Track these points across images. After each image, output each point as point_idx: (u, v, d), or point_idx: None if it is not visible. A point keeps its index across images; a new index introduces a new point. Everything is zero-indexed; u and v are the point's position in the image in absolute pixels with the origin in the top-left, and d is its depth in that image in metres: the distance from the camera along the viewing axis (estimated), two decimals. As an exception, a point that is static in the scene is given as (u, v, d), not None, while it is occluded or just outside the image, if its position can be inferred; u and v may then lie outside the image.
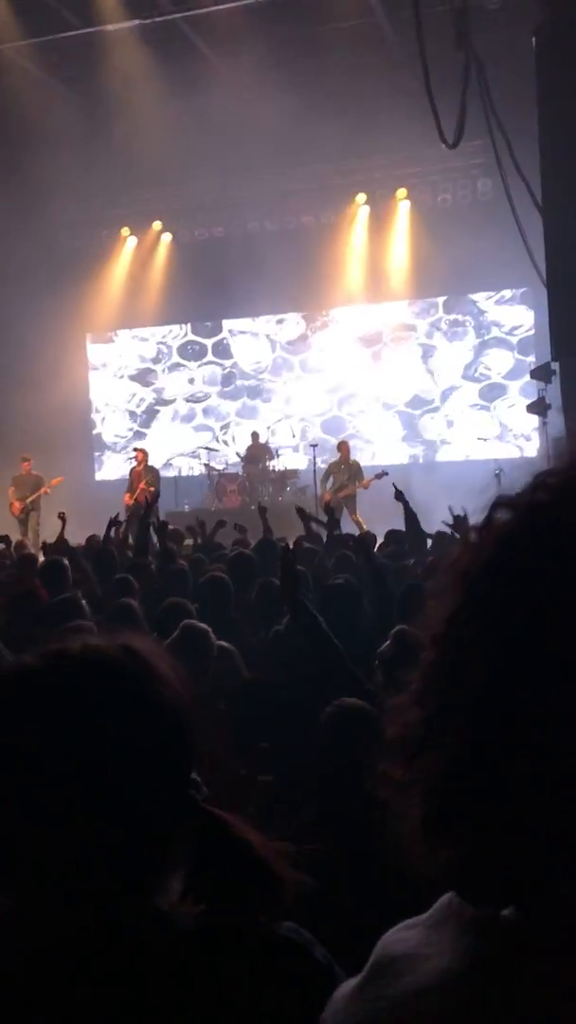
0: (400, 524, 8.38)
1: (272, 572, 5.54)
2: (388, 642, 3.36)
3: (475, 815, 0.67)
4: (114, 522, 7.99)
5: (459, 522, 5.70)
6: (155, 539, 7.30)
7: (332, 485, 13.75)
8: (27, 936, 0.90)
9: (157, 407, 18.34)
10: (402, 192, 15.75)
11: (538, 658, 0.65)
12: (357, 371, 16.94)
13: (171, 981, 0.89)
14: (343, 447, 14.11)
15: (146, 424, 18.36)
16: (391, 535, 7.90)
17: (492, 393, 16.25)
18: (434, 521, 7.29)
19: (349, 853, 2.12)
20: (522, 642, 0.66)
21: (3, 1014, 0.88)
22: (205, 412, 18.06)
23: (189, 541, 9.51)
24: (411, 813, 0.71)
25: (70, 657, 0.95)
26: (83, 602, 4.86)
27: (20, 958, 0.89)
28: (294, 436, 15.80)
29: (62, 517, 8.50)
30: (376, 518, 12.21)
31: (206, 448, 16.82)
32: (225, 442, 17.26)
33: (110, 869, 0.89)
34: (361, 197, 15.98)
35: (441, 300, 16.54)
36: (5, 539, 8.40)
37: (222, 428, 17.78)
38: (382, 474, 13.19)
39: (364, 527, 12.40)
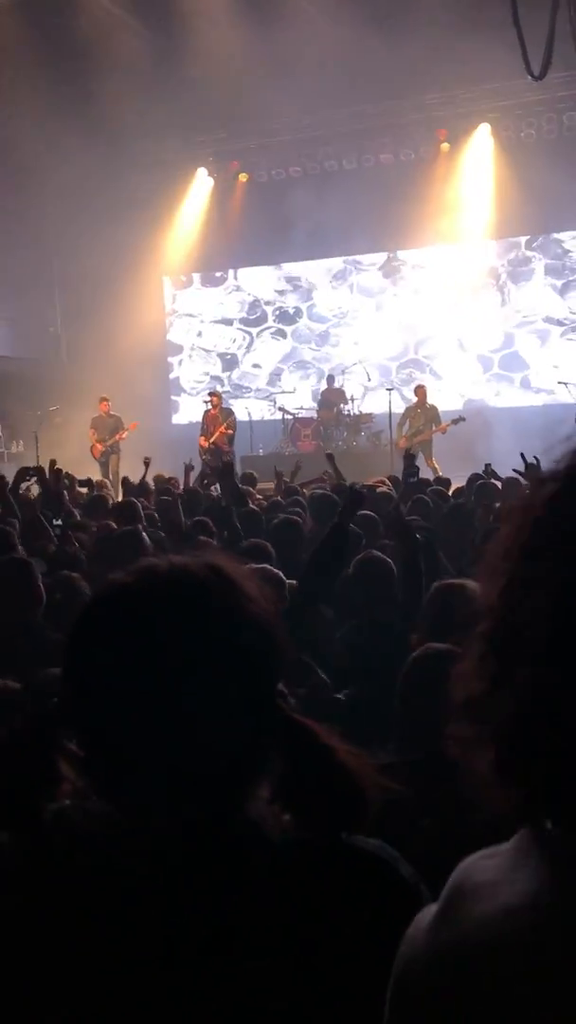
0: (476, 469, 8.32)
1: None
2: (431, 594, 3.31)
3: (550, 750, 0.68)
4: (188, 467, 8.23)
5: (531, 469, 5.61)
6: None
7: (408, 430, 13.56)
8: (126, 839, 0.97)
9: (234, 350, 18.36)
10: (485, 127, 15.28)
11: None
12: (436, 313, 16.65)
13: (260, 891, 0.94)
14: (420, 391, 13.84)
15: (224, 368, 18.40)
16: (473, 479, 7.79)
17: None
18: (509, 466, 7.23)
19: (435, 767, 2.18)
20: None
21: (105, 913, 0.94)
22: (282, 355, 18.03)
23: (266, 484, 9.64)
24: (484, 757, 0.72)
25: (159, 574, 1.00)
26: (144, 535, 4.92)
27: (120, 860, 0.96)
28: (370, 379, 15.64)
29: (147, 462, 8.77)
30: (452, 464, 12.12)
31: (281, 391, 16.82)
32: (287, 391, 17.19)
33: (201, 773, 0.94)
34: (442, 133, 15.55)
35: (523, 239, 16.10)
36: (88, 482, 8.62)
37: (283, 373, 17.74)
38: (459, 419, 13.02)
39: (440, 472, 12.31)
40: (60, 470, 7.27)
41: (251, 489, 8.46)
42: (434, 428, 13.35)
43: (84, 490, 8.98)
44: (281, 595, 3.56)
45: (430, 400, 13.78)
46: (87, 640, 0.99)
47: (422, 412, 13.55)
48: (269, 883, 0.94)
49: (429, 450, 13.23)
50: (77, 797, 1.00)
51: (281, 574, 3.77)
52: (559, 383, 14.48)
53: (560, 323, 15.93)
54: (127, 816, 0.97)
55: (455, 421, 13.01)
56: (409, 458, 7.57)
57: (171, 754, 0.93)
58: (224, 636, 0.96)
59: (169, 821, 0.95)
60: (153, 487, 8.71)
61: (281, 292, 17.96)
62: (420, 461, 12.91)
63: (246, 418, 15.45)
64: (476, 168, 15.50)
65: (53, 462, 7.49)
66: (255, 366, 18.14)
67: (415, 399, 13.83)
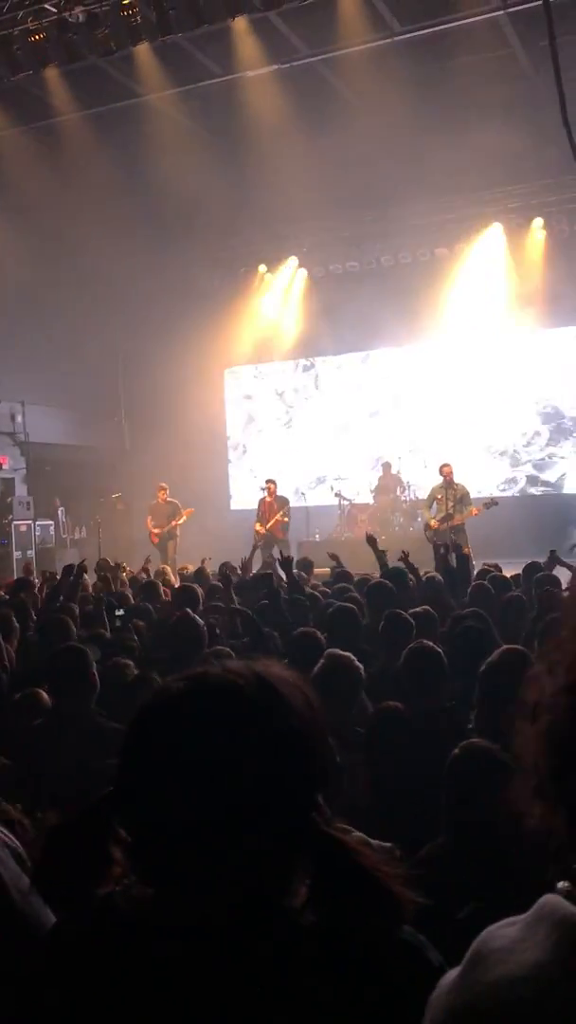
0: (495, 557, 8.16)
1: (397, 604, 5.59)
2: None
3: None
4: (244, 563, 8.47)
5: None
6: (279, 571, 7.47)
7: (436, 512, 12.40)
8: (163, 924, 1.03)
9: (292, 438, 18.65)
10: (538, 221, 15.59)
11: None
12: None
13: (292, 970, 0.99)
14: (445, 469, 12.47)
15: (280, 455, 18.62)
16: (531, 569, 7.42)
17: None
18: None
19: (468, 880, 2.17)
20: None
21: (140, 995, 1.01)
22: (340, 443, 18.23)
23: (321, 570, 9.66)
24: (534, 770, 0.79)
25: (208, 684, 1.07)
26: (198, 621, 4.99)
27: (156, 944, 1.02)
28: (425, 467, 15.63)
29: (203, 562, 9.06)
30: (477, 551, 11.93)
31: (337, 478, 16.94)
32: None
33: (235, 868, 1.00)
34: (496, 227, 15.92)
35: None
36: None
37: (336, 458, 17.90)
38: (492, 502, 12.17)
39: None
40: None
41: (303, 575, 8.49)
42: (467, 512, 12.14)
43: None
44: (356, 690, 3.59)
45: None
46: (140, 741, 1.07)
47: (451, 492, 12.29)
48: (294, 965, 0.99)
49: (464, 537, 11.75)
50: (124, 880, 1.08)
51: (360, 667, 3.78)
52: None
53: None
54: (164, 901, 1.04)
55: (487, 504, 12.07)
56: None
57: (208, 850, 1.00)
58: (265, 750, 1.02)
59: (202, 908, 1.01)
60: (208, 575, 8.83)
61: (341, 381, 18.25)
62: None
63: (301, 504, 15.54)
64: (529, 259, 15.79)
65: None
66: (313, 452, 18.35)
67: (441, 478, 12.50)
